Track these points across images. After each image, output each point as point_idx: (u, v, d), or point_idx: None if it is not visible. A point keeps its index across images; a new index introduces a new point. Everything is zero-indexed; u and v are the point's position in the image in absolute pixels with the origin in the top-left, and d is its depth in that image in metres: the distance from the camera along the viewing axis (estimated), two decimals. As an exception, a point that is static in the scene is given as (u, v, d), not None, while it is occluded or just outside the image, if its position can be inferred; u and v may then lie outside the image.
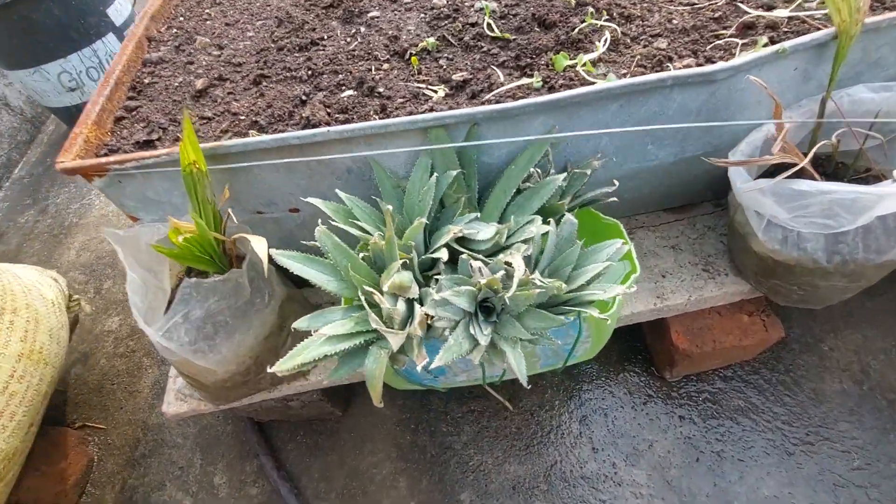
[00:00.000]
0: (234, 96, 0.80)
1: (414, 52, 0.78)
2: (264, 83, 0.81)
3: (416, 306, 0.53)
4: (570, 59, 0.68)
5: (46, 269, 1.17)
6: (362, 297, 0.54)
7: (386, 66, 0.78)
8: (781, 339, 0.94)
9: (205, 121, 0.76)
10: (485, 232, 0.60)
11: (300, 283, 0.73)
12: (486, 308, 0.58)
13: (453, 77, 0.72)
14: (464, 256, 0.57)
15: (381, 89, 0.72)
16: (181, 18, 1.05)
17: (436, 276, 0.59)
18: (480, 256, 0.58)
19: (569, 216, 0.62)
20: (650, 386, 1.05)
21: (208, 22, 1.02)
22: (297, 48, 0.86)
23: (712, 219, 0.97)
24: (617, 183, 0.65)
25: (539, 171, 0.62)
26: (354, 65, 0.79)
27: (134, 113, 0.81)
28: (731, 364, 1.06)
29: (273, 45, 0.89)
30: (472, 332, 0.55)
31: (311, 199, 0.60)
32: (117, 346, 1.35)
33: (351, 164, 0.68)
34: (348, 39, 0.86)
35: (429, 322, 0.57)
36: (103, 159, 0.66)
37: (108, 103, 0.80)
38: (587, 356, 0.81)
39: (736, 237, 0.81)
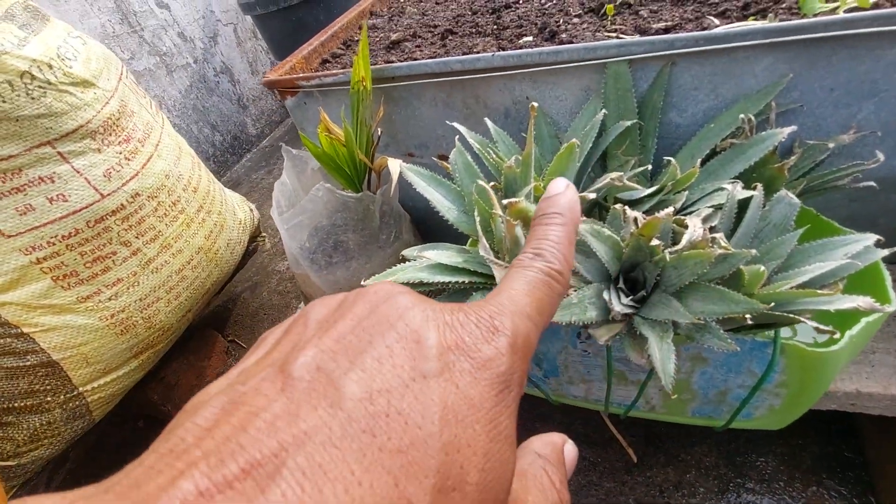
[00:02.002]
0: (420, 48, 0.82)
1: (610, 3, 0.69)
2: (450, 37, 0.81)
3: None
4: (830, 1, 0.50)
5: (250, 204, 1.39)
6: (478, 223, 0.45)
7: (576, 19, 0.71)
8: None
9: (388, 64, 0.80)
10: (647, 191, 0.46)
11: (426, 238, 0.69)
12: (631, 281, 0.44)
13: (653, 26, 0.60)
14: (616, 207, 0.44)
15: (563, 35, 0.65)
16: (401, 1, 1.17)
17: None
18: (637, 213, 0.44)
19: (787, 194, 0.44)
20: (864, 523, 0.70)
21: (422, 3, 1.11)
22: (489, 11, 0.86)
23: None
24: (881, 157, 0.44)
25: (752, 119, 0.46)
26: (541, 19, 0.74)
27: (337, 59, 0.90)
28: None
29: (469, 12, 0.90)
30: (605, 297, 0.41)
31: (455, 124, 0.55)
32: (279, 285, 1.53)
33: (510, 105, 0.62)
34: (543, 2, 0.81)
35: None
36: (294, 75, 0.73)
37: (321, 47, 0.90)
38: (768, 423, 0.57)
39: None
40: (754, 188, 0.42)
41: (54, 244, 0.74)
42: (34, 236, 0.71)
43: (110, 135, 0.77)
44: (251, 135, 2.36)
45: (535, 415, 0.95)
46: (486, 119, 0.56)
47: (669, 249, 0.37)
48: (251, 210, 1.34)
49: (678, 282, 0.39)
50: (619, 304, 0.39)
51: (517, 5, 0.84)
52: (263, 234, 1.43)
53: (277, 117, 2.56)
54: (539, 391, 0.66)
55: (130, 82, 0.88)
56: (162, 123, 0.94)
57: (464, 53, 0.71)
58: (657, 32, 0.59)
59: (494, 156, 0.51)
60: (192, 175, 0.97)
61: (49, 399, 0.82)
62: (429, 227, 0.91)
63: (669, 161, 0.45)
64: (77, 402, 0.85)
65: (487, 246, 0.42)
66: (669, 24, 0.59)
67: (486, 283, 0.48)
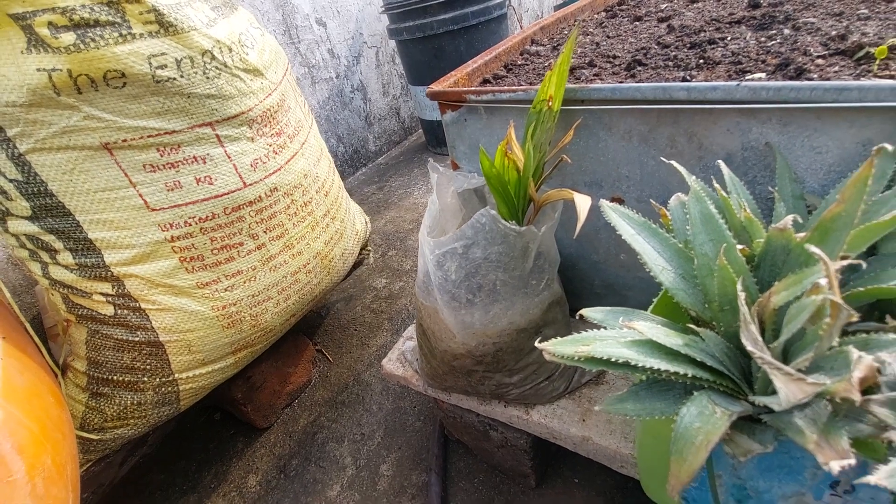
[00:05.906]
0: (599, 77, 0.72)
1: (875, 49, 0.54)
2: (637, 68, 0.70)
3: (852, 350, 0.27)
4: None
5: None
6: (717, 302, 0.32)
7: (820, 61, 0.56)
8: None
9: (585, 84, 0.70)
10: None
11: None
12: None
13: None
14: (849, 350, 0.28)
15: (812, 76, 0.51)
16: (565, 32, 1.09)
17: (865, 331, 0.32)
18: None
19: None
20: None
21: (589, 37, 1.03)
22: (687, 46, 0.74)
23: None
24: None
25: None
26: (770, 56, 0.60)
27: (499, 81, 0.83)
28: None
29: (656, 45, 0.79)
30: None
31: (673, 163, 0.43)
32: (373, 302, 1.48)
33: (737, 149, 0.48)
34: (762, 40, 0.68)
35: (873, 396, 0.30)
36: (463, 88, 0.67)
37: (484, 67, 0.84)
38: None
39: None
40: None
41: (190, 225, 0.72)
42: (174, 214, 0.70)
43: (265, 126, 0.76)
44: (370, 150, 2.43)
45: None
46: (719, 163, 0.43)
47: None
48: (366, 222, 1.31)
49: None
50: None
51: (725, 41, 0.71)
52: (369, 247, 1.39)
53: (397, 138, 2.62)
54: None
55: (292, 80, 0.89)
56: (311, 124, 0.93)
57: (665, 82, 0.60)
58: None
59: (742, 210, 0.37)
60: (326, 179, 0.94)
61: (146, 379, 0.80)
62: (567, 278, 0.78)
63: None
64: (170, 388, 0.82)
65: (759, 338, 0.29)
66: None
67: (714, 381, 0.34)
